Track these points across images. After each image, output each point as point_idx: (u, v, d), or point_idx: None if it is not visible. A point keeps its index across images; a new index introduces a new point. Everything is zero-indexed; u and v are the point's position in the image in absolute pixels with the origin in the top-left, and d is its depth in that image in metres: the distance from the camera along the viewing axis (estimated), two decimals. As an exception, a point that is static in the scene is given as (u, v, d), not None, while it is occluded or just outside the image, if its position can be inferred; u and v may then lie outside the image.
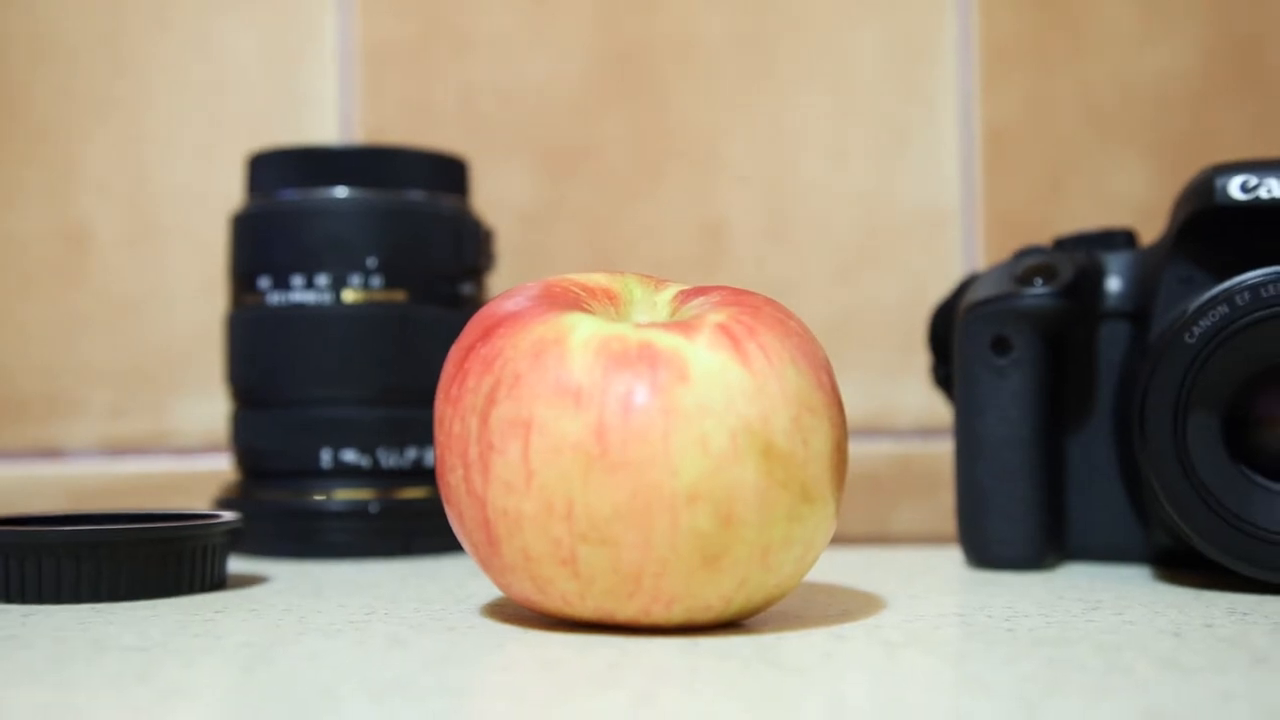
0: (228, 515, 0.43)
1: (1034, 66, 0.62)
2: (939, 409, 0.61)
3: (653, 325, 0.33)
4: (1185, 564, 0.44)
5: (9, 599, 0.39)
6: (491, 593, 0.41)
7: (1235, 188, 0.42)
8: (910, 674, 0.30)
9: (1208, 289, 0.41)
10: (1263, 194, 0.41)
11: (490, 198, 0.62)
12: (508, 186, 0.62)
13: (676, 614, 0.33)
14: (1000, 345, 0.46)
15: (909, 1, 0.63)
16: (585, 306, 0.35)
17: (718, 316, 0.33)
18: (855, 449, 0.56)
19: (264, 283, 0.52)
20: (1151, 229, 0.54)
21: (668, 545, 0.31)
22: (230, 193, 0.61)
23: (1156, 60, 0.62)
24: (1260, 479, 0.40)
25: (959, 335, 0.47)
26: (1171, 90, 0.62)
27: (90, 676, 0.29)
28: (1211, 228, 0.43)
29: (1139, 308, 0.46)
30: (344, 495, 0.51)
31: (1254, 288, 0.40)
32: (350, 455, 0.52)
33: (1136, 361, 0.44)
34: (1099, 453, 0.47)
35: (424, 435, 0.52)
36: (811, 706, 0.26)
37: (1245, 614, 0.36)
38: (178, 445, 0.62)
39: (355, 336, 0.52)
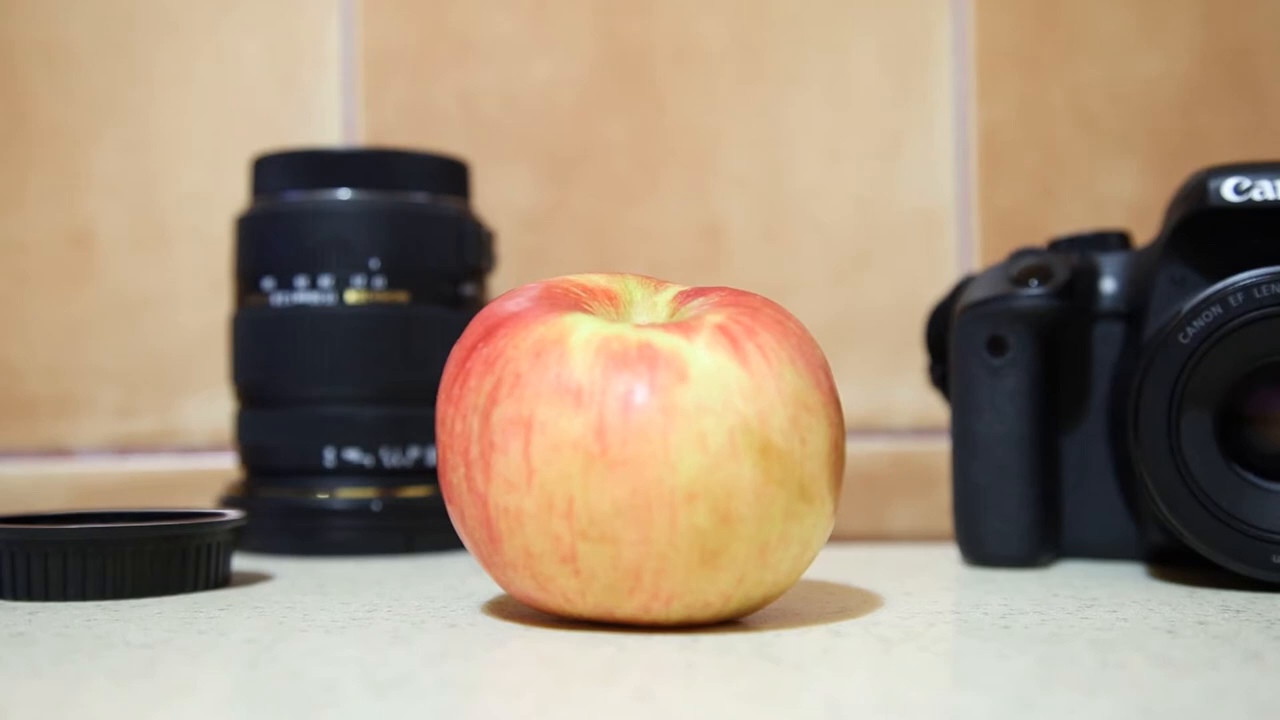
0: (232, 513, 0.44)
1: (1028, 70, 0.63)
2: (935, 408, 0.61)
3: (652, 326, 0.34)
4: (1179, 561, 0.45)
5: (16, 596, 0.40)
6: (493, 590, 0.41)
7: (1229, 190, 0.42)
8: (906, 670, 0.30)
9: (1201, 290, 0.41)
10: (1256, 196, 0.42)
11: (492, 200, 0.62)
12: (509, 189, 0.63)
13: (675, 611, 0.33)
14: (996, 345, 0.46)
15: (905, 5, 0.63)
16: (585, 307, 0.35)
17: (716, 317, 0.34)
18: (852, 448, 0.57)
19: (268, 283, 0.53)
20: (1144, 231, 0.54)
21: (667, 542, 0.32)
22: (235, 195, 0.62)
23: (1149, 65, 0.62)
24: (1253, 477, 0.41)
25: (955, 335, 0.47)
26: (1163, 95, 0.62)
27: (95, 673, 0.29)
28: (1205, 229, 0.43)
29: (1133, 308, 0.46)
30: (347, 494, 0.52)
31: (1247, 288, 0.40)
32: (353, 454, 0.52)
33: (1131, 361, 0.44)
34: (1094, 451, 0.47)
35: (426, 434, 0.53)
36: (809, 702, 0.27)
37: (1238, 611, 0.37)
38: (184, 444, 0.63)
39: (358, 337, 0.52)
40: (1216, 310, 0.40)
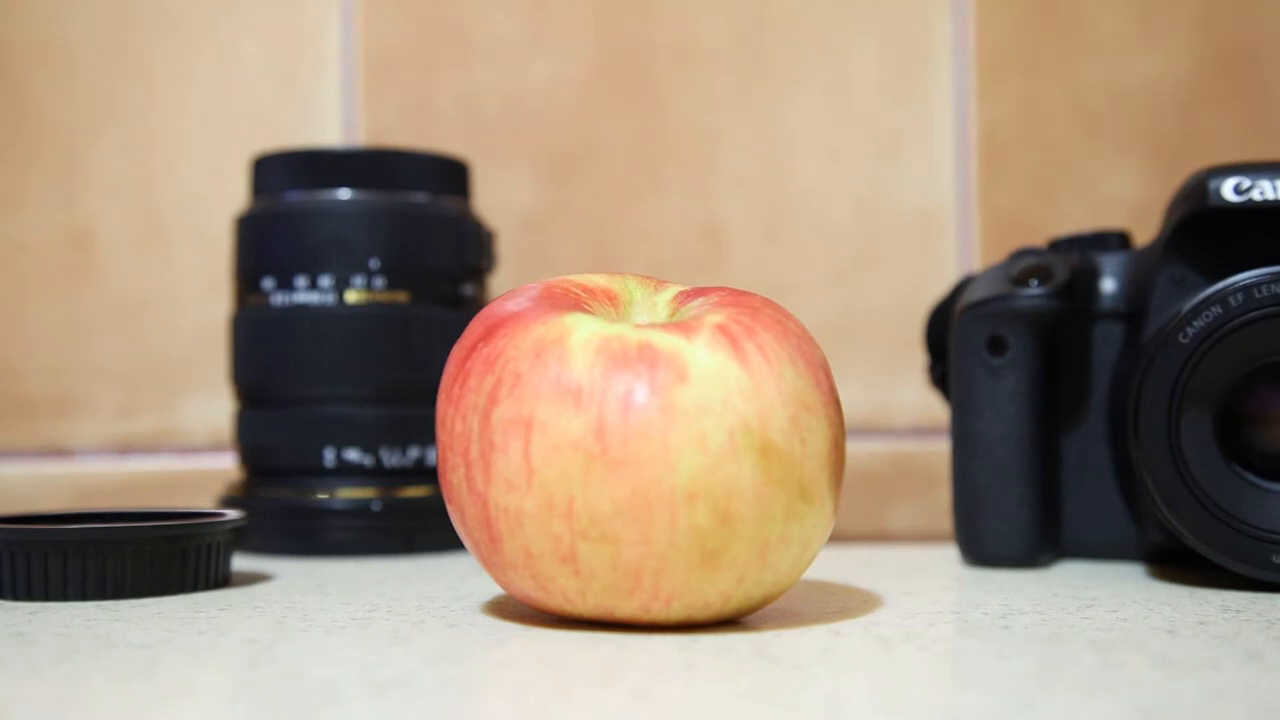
0: (232, 513, 0.44)
1: (1028, 70, 0.63)
2: (935, 408, 0.61)
3: (652, 326, 0.34)
4: (1179, 561, 0.45)
5: (16, 596, 0.40)
6: (493, 590, 0.41)
7: (1229, 190, 0.42)
8: (906, 670, 0.30)
9: (1201, 290, 0.41)
10: (1255, 196, 0.42)
11: (492, 200, 0.62)
12: (509, 189, 0.63)
13: (675, 611, 0.33)
14: (996, 345, 0.46)
15: (905, 5, 0.63)
16: (585, 307, 0.35)
17: (716, 317, 0.34)
18: (852, 448, 0.57)
19: (268, 283, 0.53)
20: (1143, 231, 0.54)
21: (667, 542, 0.32)
22: (235, 195, 0.62)
23: (1148, 65, 0.62)
24: (1253, 477, 0.41)
25: (955, 335, 0.47)
26: (1163, 95, 0.62)
27: (95, 673, 0.30)
28: (1205, 229, 0.43)
29: (1133, 308, 0.46)
30: (347, 494, 0.52)
31: (1247, 288, 0.40)
32: (353, 454, 0.52)
33: (1131, 361, 0.44)
34: (1093, 451, 0.47)
35: (426, 434, 0.53)
36: (809, 702, 0.27)
37: (1238, 611, 0.37)
38: (184, 444, 0.63)
39: (358, 337, 0.52)
40: (1216, 310, 0.40)
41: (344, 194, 0.53)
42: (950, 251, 0.62)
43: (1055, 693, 0.27)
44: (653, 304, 0.37)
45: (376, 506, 0.52)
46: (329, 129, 0.63)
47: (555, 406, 0.32)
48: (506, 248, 0.61)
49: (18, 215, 0.63)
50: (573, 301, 0.35)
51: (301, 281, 0.52)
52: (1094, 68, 0.63)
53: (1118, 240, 0.48)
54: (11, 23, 0.63)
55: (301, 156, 0.54)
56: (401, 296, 0.53)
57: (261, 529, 0.51)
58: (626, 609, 0.33)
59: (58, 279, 0.63)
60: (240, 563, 0.49)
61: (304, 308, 0.52)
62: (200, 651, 0.32)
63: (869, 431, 0.62)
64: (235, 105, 0.63)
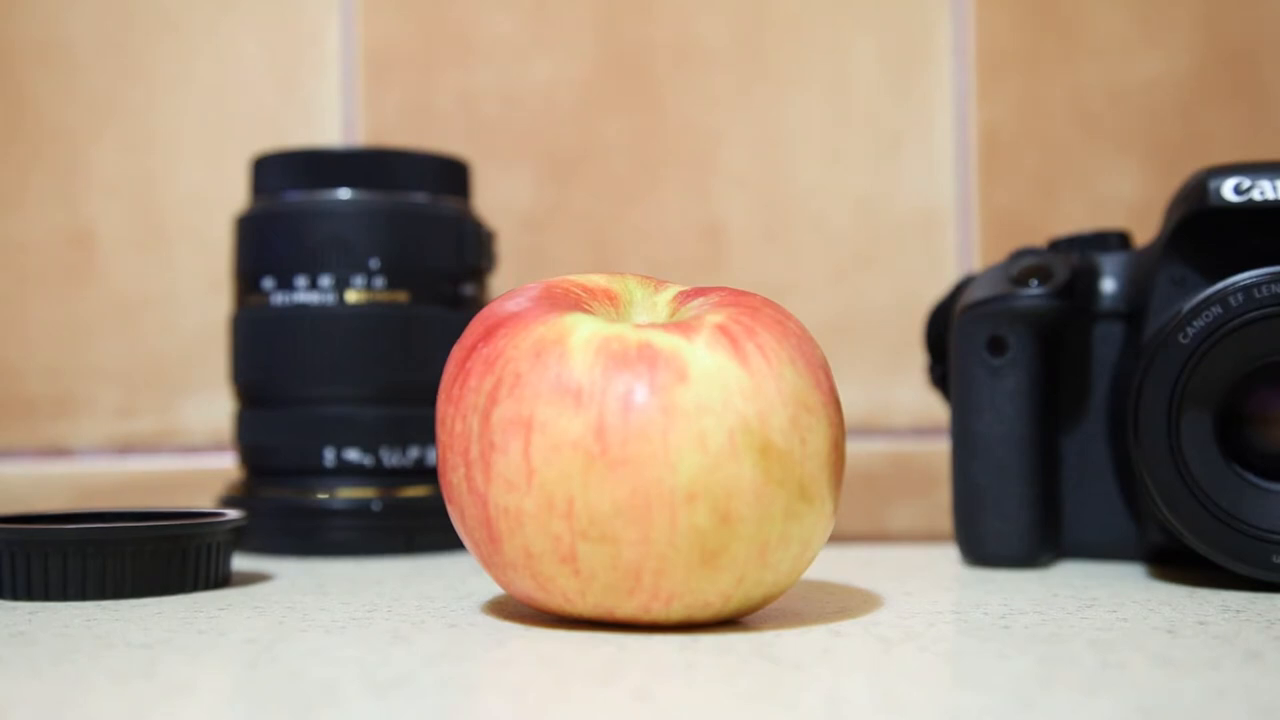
0: (232, 513, 0.44)
1: (1028, 71, 0.63)
2: (935, 408, 0.61)
3: (652, 326, 0.34)
4: (1179, 561, 0.45)
5: (16, 596, 0.40)
6: (493, 590, 0.41)
7: (1229, 190, 0.42)
8: (906, 670, 0.30)
9: (1201, 290, 0.41)
10: (1256, 196, 0.42)
11: (492, 200, 0.62)
12: (509, 189, 0.63)
13: (675, 611, 0.33)
14: (996, 345, 0.46)
15: (905, 5, 0.63)
16: (585, 307, 0.35)
17: (716, 317, 0.34)
18: (852, 448, 0.57)
19: (268, 283, 0.53)
20: (1143, 231, 0.54)
21: (667, 542, 0.32)
22: (235, 195, 0.62)
23: (1148, 66, 0.62)
24: (1253, 477, 0.41)
25: (955, 335, 0.47)
26: (1163, 95, 0.62)
27: (95, 672, 0.30)
28: (1205, 229, 0.43)
29: (1133, 308, 0.46)
30: (347, 493, 0.52)
31: (1247, 288, 0.40)
32: (353, 454, 0.52)
33: (1131, 361, 0.44)
34: (1093, 451, 0.47)
35: (426, 434, 0.53)
36: (809, 702, 0.27)
37: (1238, 611, 0.37)
38: (184, 444, 0.63)
39: (358, 337, 0.52)
40: (1216, 310, 0.40)
41: (344, 194, 0.53)
42: (950, 251, 0.62)
43: (1055, 693, 0.27)
44: (653, 304, 0.37)
45: (376, 506, 0.52)
46: (329, 129, 0.63)
47: (555, 406, 0.32)
48: (506, 248, 0.61)
49: (18, 215, 0.63)
50: (573, 301, 0.35)
51: (301, 281, 0.52)
52: (1094, 68, 0.63)
53: (1118, 240, 0.48)
54: (11, 23, 0.63)
55: (301, 156, 0.54)
56: (401, 296, 0.53)
57: (261, 529, 0.51)
58: (626, 609, 0.33)
59: (58, 279, 0.63)
60: (240, 563, 0.49)
61: (304, 308, 0.52)
62: (200, 651, 0.32)
63: (869, 431, 0.62)
64: (235, 105, 0.63)
